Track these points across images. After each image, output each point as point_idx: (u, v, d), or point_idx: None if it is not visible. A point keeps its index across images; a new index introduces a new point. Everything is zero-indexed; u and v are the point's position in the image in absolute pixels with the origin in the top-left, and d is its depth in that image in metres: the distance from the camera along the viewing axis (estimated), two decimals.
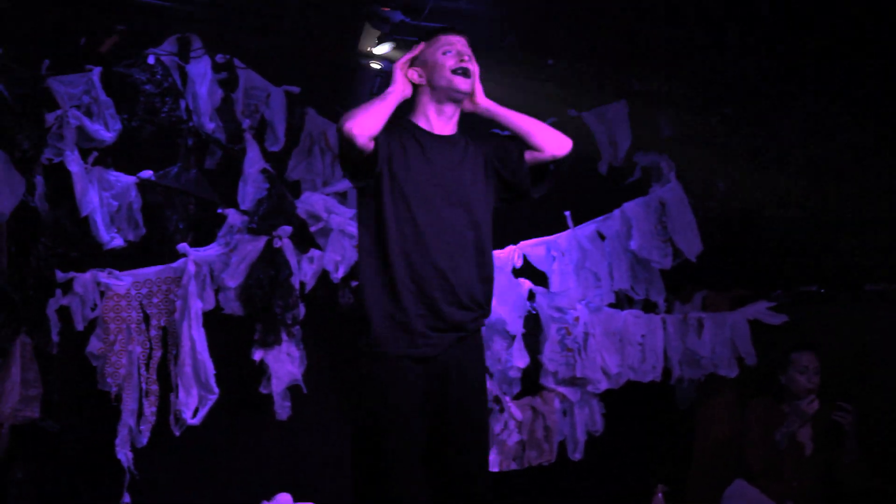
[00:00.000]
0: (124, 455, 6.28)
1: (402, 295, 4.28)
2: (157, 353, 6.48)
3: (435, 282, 4.30)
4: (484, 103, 4.71)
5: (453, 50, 4.52)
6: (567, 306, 7.32)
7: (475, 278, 4.42)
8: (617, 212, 7.55)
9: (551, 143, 4.70)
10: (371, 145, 4.24)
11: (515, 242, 7.43)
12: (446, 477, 4.30)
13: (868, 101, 6.98)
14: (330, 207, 6.95)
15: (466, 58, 4.54)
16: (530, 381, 7.30)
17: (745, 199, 7.66)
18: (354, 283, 6.85)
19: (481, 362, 4.56)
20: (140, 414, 6.39)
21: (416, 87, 4.54)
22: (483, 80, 6.22)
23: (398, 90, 4.45)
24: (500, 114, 4.73)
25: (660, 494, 6.90)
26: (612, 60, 7.49)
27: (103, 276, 6.36)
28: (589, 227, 7.54)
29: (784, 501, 6.58)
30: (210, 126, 6.75)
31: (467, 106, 4.68)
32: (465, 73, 4.50)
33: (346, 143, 4.20)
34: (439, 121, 4.56)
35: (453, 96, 4.53)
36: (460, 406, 4.32)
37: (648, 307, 7.60)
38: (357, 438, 4.35)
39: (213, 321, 6.56)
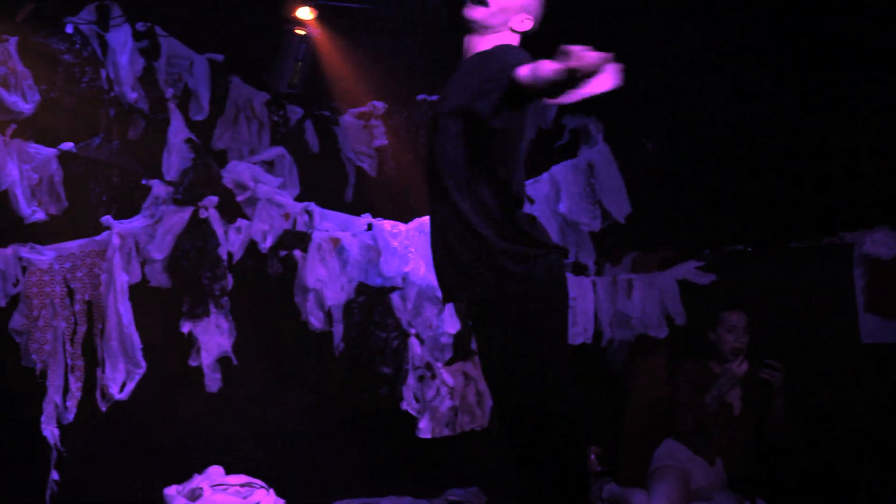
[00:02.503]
0: (50, 432, 6.24)
1: None
2: (82, 328, 6.43)
3: None
4: None
5: None
6: None
7: None
8: (545, 175, 7.59)
9: None
10: None
11: None
12: None
13: (792, 59, 7.03)
14: (257, 176, 6.94)
15: None
16: (462, 347, 7.28)
17: (672, 158, 7.70)
18: (283, 253, 6.87)
19: None
20: (66, 390, 6.33)
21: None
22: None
23: None
24: None
25: (592, 456, 6.97)
26: (546, 24, 7.47)
27: (25, 251, 6.31)
28: None
29: (714, 459, 6.68)
30: (132, 96, 6.65)
31: None
32: None
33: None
34: None
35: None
36: None
37: (578, 269, 7.62)
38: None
39: (140, 294, 6.53)
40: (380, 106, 7.54)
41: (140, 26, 6.72)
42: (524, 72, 3.69)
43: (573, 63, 3.42)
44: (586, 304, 7.47)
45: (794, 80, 7.09)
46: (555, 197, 7.49)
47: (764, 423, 6.74)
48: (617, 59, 3.50)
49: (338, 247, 7.09)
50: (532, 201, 7.50)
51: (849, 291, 7.07)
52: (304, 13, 6.86)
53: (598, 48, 3.46)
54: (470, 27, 4.32)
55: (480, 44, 4.28)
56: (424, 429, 7.11)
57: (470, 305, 4.28)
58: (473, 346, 7.24)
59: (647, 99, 7.49)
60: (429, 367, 7.17)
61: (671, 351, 7.46)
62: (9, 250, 6.24)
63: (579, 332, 7.42)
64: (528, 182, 7.36)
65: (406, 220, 7.27)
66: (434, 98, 7.56)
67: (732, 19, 6.89)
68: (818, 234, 7.21)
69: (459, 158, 4.15)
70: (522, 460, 4.07)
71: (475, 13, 4.27)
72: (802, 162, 7.18)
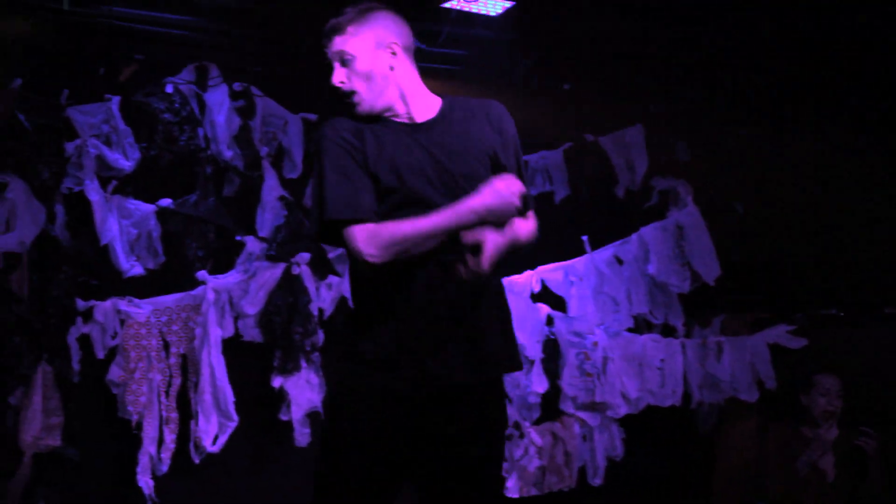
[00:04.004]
0: (145, 483, 6.30)
1: None
2: (177, 381, 6.51)
3: None
4: None
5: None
6: (585, 331, 7.35)
7: None
8: (635, 236, 7.59)
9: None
10: None
11: (533, 268, 7.46)
12: None
13: (888, 120, 7.04)
14: None
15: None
16: (550, 407, 7.31)
17: (763, 222, 7.66)
18: None
19: None
20: (160, 441, 6.40)
21: None
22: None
23: None
24: None
25: None
26: (628, 84, 7.56)
27: (123, 304, 6.39)
28: (607, 252, 7.58)
29: None
30: (228, 154, 6.77)
31: None
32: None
33: None
34: None
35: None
36: None
37: (667, 331, 7.62)
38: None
39: (233, 348, 6.58)
40: None
41: (237, 86, 6.82)
42: None
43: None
44: (675, 365, 7.45)
45: (885, 143, 7.10)
46: (644, 258, 7.49)
47: (859, 493, 6.62)
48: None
49: None
50: (621, 262, 7.54)
51: None
52: None
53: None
54: None
55: None
56: (512, 488, 7.09)
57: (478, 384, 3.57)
58: (563, 406, 7.31)
59: (736, 160, 7.53)
60: (517, 426, 7.15)
61: (761, 415, 7.40)
62: (108, 303, 6.33)
63: (668, 394, 7.41)
64: (617, 243, 7.51)
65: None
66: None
67: (821, 79, 6.95)
68: None
69: None
70: None
71: None
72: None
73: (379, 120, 3.60)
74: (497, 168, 3.59)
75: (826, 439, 6.73)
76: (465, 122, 3.62)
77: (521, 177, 3.61)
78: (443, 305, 3.45)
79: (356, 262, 3.46)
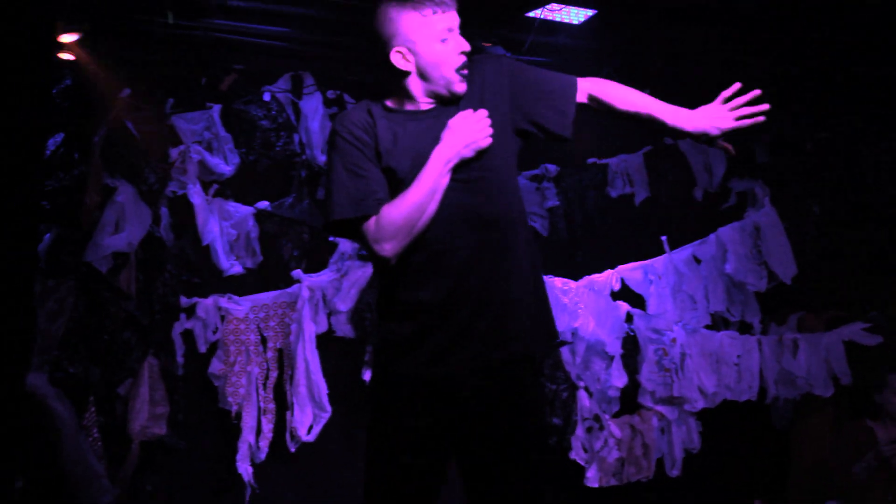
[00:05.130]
0: (245, 469, 6.49)
1: None
2: (274, 374, 6.65)
3: None
4: None
5: (454, 36, 3.44)
6: (664, 328, 7.36)
7: None
8: (712, 236, 7.59)
9: None
10: None
11: (613, 267, 7.50)
12: None
13: None
14: None
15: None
16: (629, 400, 7.33)
17: (839, 222, 7.68)
18: None
19: None
20: (259, 431, 6.56)
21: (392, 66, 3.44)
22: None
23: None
24: None
25: None
26: (707, 89, 7.61)
27: (224, 301, 6.58)
28: (685, 252, 7.61)
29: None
30: (322, 158, 6.87)
31: None
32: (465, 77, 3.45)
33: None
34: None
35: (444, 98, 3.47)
36: None
37: (744, 328, 7.60)
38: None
39: (326, 343, 6.71)
40: (552, 169, 7.69)
41: (330, 94, 6.99)
42: None
43: None
44: (751, 362, 7.46)
45: None
46: (721, 258, 7.48)
47: None
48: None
49: None
50: (699, 261, 7.55)
51: None
52: None
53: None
54: None
55: None
56: (592, 478, 7.17)
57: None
58: (641, 400, 7.38)
59: (814, 162, 7.55)
60: (597, 418, 7.22)
61: (836, 410, 7.38)
62: (209, 300, 6.54)
63: (744, 389, 7.41)
64: (695, 243, 7.52)
65: (576, 278, 7.33)
66: (602, 161, 7.83)
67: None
68: None
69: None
70: None
71: None
72: None
73: (390, 110, 3.43)
74: (522, 118, 3.49)
75: (882, 453, 6.73)
76: (481, 98, 3.43)
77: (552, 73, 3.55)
78: (468, 289, 3.32)
79: (376, 258, 3.34)
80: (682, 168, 7.76)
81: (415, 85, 3.41)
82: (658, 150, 7.68)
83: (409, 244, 3.30)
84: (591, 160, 7.76)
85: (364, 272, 6.87)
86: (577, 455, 7.22)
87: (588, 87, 3.55)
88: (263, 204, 6.89)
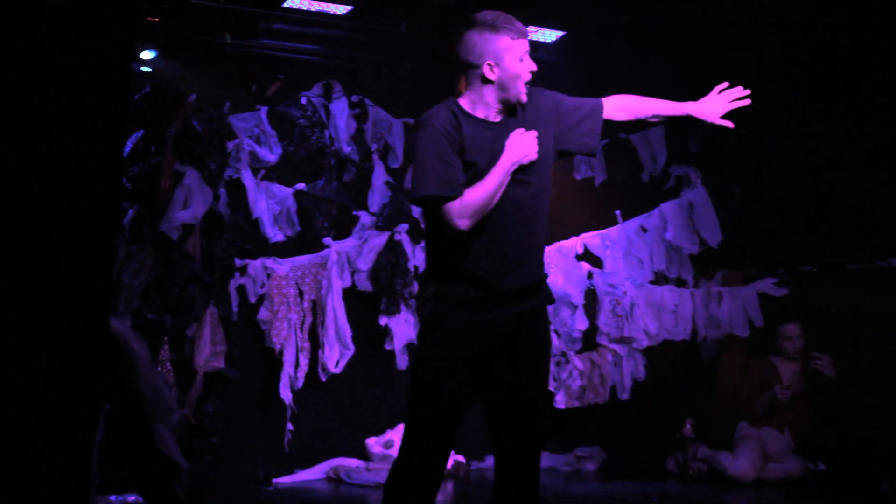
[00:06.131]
0: (286, 395, 6.52)
1: None
2: (309, 320, 6.66)
3: None
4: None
5: (527, 59, 3.52)
6: (617, 283, 7.34)
7: None
8: (656, 210, 7.57)
9: None
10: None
11: (577, 235, 7.50)
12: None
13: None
14: None
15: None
16: (589, 340, 7.35)
17: (756, 199, 7.64)
18: None
19: None
20: (297, 365, 6.58)
21: (482, 76, 3.47)
22: None
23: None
24: None
25: (688, 426, 7.01)
26: (656, 95, 7.55)
27: (269, 263, 6.57)
28: (634, 223, 7.57)
29: (783, 430, 6.68)
30: (347, 149, 6.89)
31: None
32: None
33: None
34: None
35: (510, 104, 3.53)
36: None
37: (680, 283, 7.59)
38: None
39: (350, 296, 6.74)
40: None
41: (354, 98, 6.95)
42: None
43: None
44: (686, 309, 7.45)
45: (854, 137, 7.11)
46: (663, 227, 7.44)
47: (828, 405, 6.69)
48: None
49: None
50: (645, 230, 7.52)
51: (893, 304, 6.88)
52: None
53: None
54: None
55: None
56: (560, 401, 7.20)
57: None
58: (599, 339, 7.35)
59: (736, 152, 7.52)
60: (564, 354, 7.22)
61: (751, 346, 7.38)
62: (258, 262, 6.53)
63: (680, 331, 7.40)
64: (643, 216, 7.47)
65: (547, 244, 6.87)
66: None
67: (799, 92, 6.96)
68: (871, 258, 7.08)
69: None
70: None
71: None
72: (860, 198, 7.05)
73: (467, 115, 3.47)
74: (564, 142, 3.60)
75: (794, 371, 6.82)
76: (534, 122, 3.51)
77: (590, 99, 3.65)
78: (510, 264, 3.46)
79: (445, 228, 3.40)
80: (632, 157, 7.68)
81: (492, 93, 3.48)
82: (613, 143, 7.58)
83: (483, 231, 3.43)
84: None
85: (380, 239, 6.88)
86: (548, 384, 7.13)
87: (611, 105, 3.68)
88: (301, 186, 6.85)
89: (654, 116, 3.74)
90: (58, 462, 2.25)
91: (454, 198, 3.37)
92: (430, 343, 3.50)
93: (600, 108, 3.64)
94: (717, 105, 3.70)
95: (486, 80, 3.46)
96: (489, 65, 3.44)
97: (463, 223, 3.37)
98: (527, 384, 3.54)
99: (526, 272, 3.51)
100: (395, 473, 3.49)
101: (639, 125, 3.92)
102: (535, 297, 3.55)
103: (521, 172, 3.45)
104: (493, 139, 3.46)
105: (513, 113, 3.53)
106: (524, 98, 3.48)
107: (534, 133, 3.43)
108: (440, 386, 3.44)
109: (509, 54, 3.45)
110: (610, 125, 3.67)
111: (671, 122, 3.84)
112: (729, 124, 3.70)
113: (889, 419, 6.62)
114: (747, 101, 3.66)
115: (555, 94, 3.63)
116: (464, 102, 3.51)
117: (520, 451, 3.52)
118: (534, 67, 3.48)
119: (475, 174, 3.41)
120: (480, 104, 3.50)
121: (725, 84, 3.69)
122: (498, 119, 3.51)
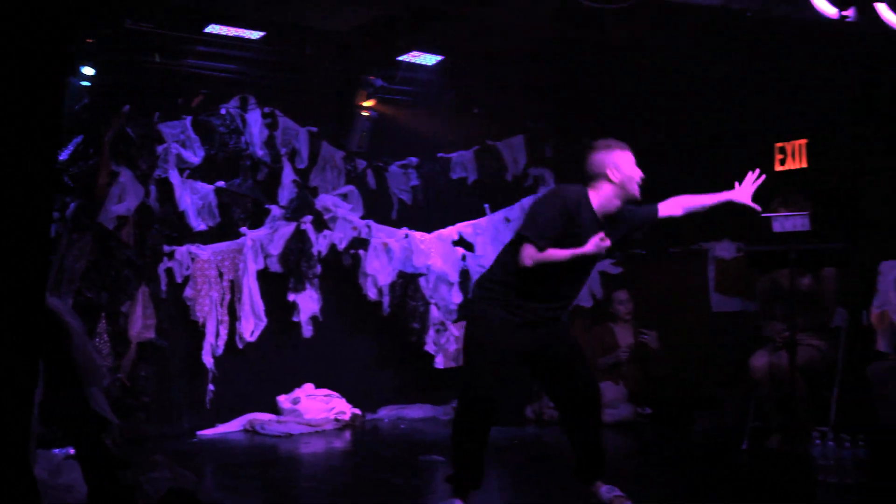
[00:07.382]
0: (208, 361, 6.52)
1: None
2: (228, 297, 6.68)
3: None
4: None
5: (636, 166, 4.08)
6: (486, 264, 7.18)
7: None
8: (518, 204, 7.78)
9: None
10: None
11: (453, 224, 7.64)
12: None
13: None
14: (336, 204, 7.10)
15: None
16: (463, 311, 7.31)
17: None
18: (352, 251, 7.06)
19: None
20: (217, 335, 6.58)
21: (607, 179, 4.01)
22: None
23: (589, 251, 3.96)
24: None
25: (647, 337, 7.03)
26: (514, 110, 7.73)
27: (193, 248, 6.57)
28: (500, 215, 7.76)
29: (618, 382, 6.93)
30: (260, 153, 6.88)
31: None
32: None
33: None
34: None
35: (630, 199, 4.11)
36: None
37: None
38: None
39: (263, 276, 6.78)
40: (414, 160, 7.67)
41: (266, 110, 6.94)
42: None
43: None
44: None
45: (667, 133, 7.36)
46: (523, 218, 7.51)
47: (649, 362, 7.00)
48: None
49: (386, 248, 7.18)
50: (508, 220, 7.69)
51: (704, 279, 7.19)
52: (369, 102, 6.99)
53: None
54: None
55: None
56: (439, 362, 7.37)
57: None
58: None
59: (583, 156, 7.63)
60: (443, 324, 7.41)
61: (594, 315, 7.66)
62: (184, 248, 6.55)
63: None
64: (507, 209, 7.67)
65: (429, 232, 7.44)
66: (447, 155, 7.85)
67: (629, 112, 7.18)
68: (688, 242, 7.37)
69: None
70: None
71: None
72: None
73: (589, 206, 3.97)
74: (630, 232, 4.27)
75: (627, 335, 7.08)
76: (617, 222, 4.06)
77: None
78: (550, 297, 4.01)
79: (515, 258, 3.92)
80: (498, 160, 7.89)
81: (612, 189, 4.01)
82: (483, 149, 7.82)
83: (539, 273, 3.93)
84: (440, 154, 7.76)
85: (289, 229, 6.92)
86: (429, 348, 7.44)
87: (665, 207, 4.24)
88: (220, 183, 6.79)
89: (702, 207, 4.27)
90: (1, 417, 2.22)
91: (535, 245, 3.90)
92: (474, 329, 4.07)
93: (655, 213, 4.24)
94: (746, 190, 4.24)
95: (610, 180, 4.02)
96: (614, 170, 4.02)
97: (527, 262, 3.90)
98: (569, 350, 4.16)
99: (558, 308, 4.12)
100: (459, 414, 4.05)
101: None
102: (559, 320, 4.14)
103: (583, 259, 4.01)
104: (591, 228, 3.96)
105: (612, 216, 4.11)
106: (637, 194, 4.06)
107: (608, 242, 3.90)
108: (482, 356, 3.99)
109: (626, 164, 4.05)
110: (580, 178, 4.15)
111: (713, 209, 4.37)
112: (758, 207, 4.29)
113: (699, 373, 6.94)
114: (761, 180, 4.23)
115: (632, 207, 4.20)
116: (591, 194, 4.05)
117: (586, 380, 4.13)
118: (641, 174, 4.05)
119: (568, 242, 3.93)
120: (602, 195, 4.03)
121: (757, 171, 4.23)
122: (602, 214, 4.04)
